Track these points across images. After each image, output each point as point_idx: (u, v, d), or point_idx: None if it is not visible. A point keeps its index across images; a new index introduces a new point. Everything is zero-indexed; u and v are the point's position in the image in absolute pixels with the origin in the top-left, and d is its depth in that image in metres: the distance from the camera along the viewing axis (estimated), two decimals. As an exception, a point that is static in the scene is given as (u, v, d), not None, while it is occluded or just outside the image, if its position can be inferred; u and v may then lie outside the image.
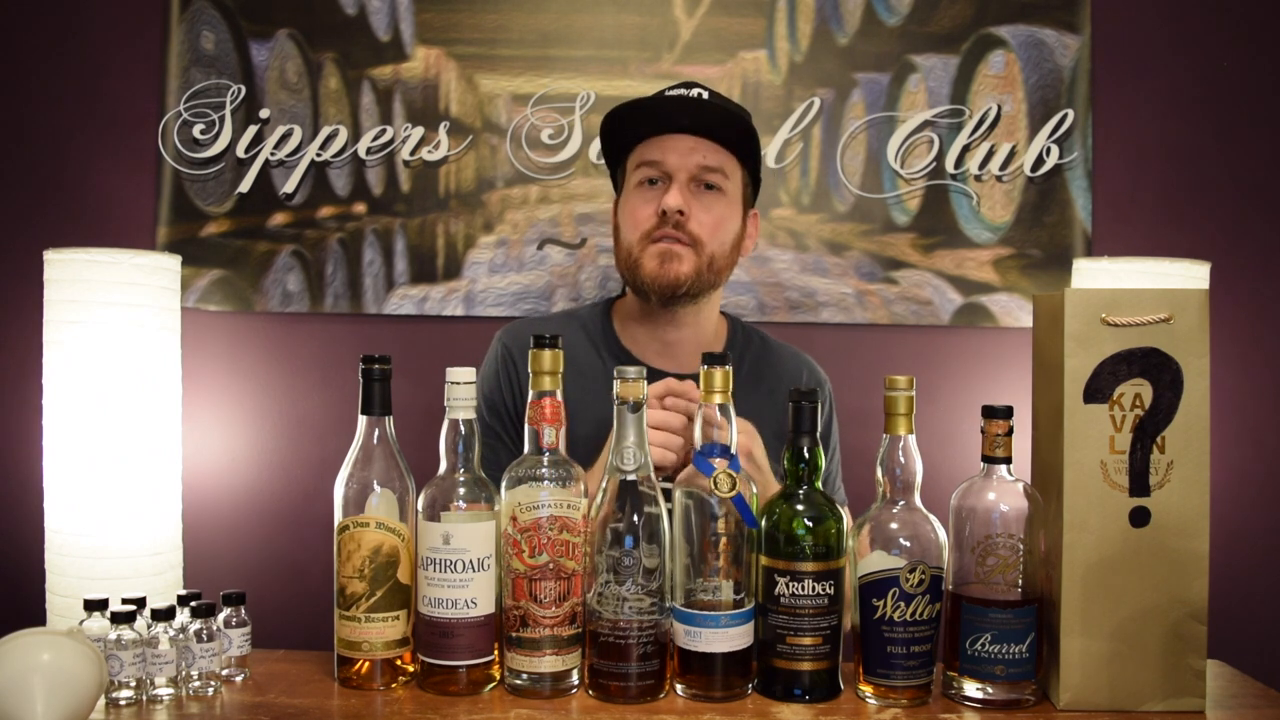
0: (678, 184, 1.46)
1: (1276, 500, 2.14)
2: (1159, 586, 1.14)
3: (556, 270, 2.11)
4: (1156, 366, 1.14)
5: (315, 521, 2.05)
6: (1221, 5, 2.12)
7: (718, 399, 1.16)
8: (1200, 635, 1.14)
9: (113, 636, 1.14)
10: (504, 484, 1.18)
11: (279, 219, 2.11)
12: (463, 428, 1.19)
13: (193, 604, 1.20)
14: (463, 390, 1.18)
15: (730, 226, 1.52)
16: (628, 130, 1.52)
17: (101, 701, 1.14)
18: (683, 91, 1.49)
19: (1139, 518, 1.14)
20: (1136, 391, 1.14)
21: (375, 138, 2.10)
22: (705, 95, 1.49)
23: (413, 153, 2.10)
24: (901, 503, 1.17)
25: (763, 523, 1.17)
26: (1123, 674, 1.14)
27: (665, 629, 1.16)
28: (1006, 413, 1.17)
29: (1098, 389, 1.14)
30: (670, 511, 1.17)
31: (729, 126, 1.49)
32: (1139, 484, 1.14)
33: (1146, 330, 1.14)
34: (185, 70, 2.10)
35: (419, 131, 2.10)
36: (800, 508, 1.16)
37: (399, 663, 1.21)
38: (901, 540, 1.15)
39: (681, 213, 1.45)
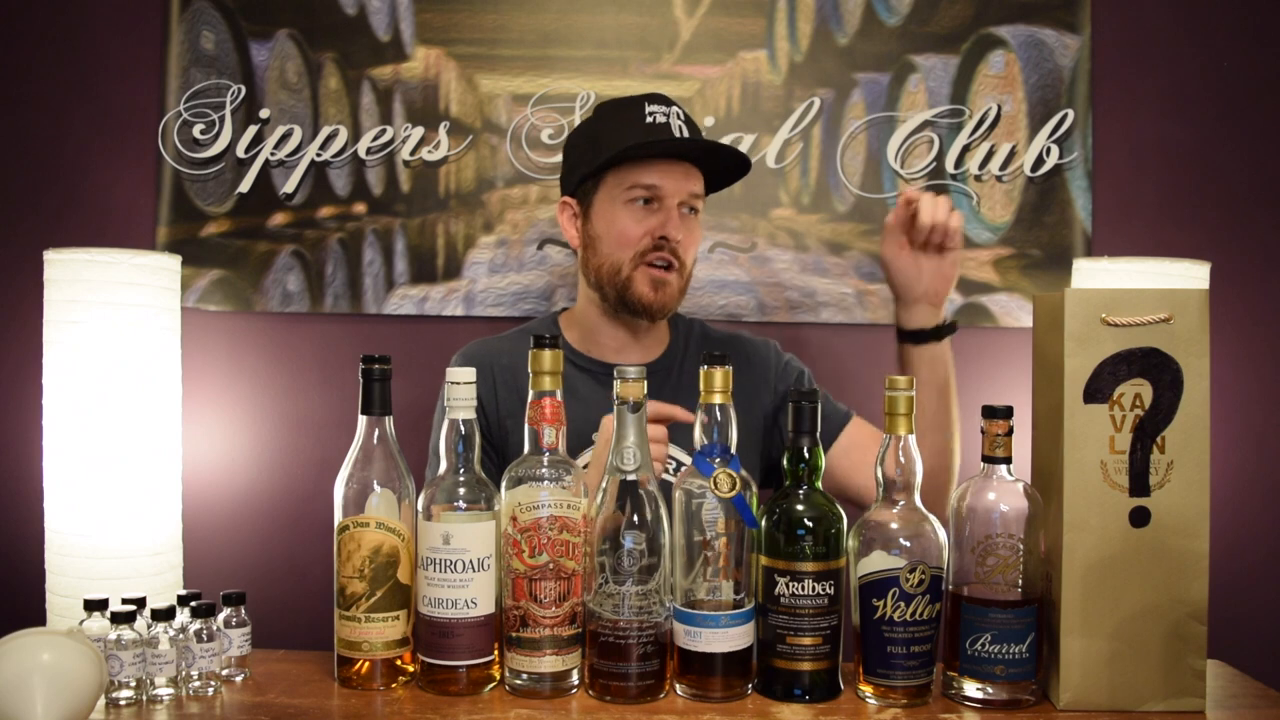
0: (672, 209, 1.54)
1: (1277, 501, 2.14)
2: (1159, 587, 1.14)
3: (556, 270, 2.11)
4: (1156, 366, 1.14)
5: (315, 521, 2.05)
6: (1222, 5, 2.12)
7: (717, 399, 1.16)
8: (1200, 635, 1.14)
9: (113, 636, 1.14)
10: (504, 484, 1.18)
11: (279, 219, 2.11)
12: (463, 428, 1.19)
13: (193, 604, 1.20)
14: (462, 390, 1.18)
15: (700, 243, 1.65)
16: (624, 149, 1.52)
17: (101, 701, 1.14)
18: (660, 111, 1.55)
19: (1139, 518, 1.14)
20: (1136, 391, 1.14)
21: (375, 138, 2.10)
22: (681, 124, 1.56)
23: (413, 153, 2.10)
24: (901, 503, 1.17)
25: (763, 523, 1.17)
26: (1123, 674, 1.14)
27: (665, 629, 1.16)
28: (1006, 413, 1.17)
29: (1098, 389, 1.14)
30: (670, 511, 1.17)
31: (738, 169, 1.63)
32: (1139, 484, 1.14)
33: (1146, 330, 1.14)
34: (185, 70, 2.10)
35: (419, 131, 2.10)
36: (800, 508, 1.16)
37: (399, 663, 1.21)
38: (901, 540, 1.15)
39: (678, 239, 1.54)
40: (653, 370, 1.54)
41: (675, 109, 1.56)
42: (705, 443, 1.16)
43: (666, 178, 1.53)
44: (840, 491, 1.57)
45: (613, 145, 1.52)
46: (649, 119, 1.53)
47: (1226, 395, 2.07)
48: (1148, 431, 1.14)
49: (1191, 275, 1.82)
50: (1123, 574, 1.14)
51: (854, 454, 1.59)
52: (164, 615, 1.18)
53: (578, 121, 2.09)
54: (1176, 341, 1.14)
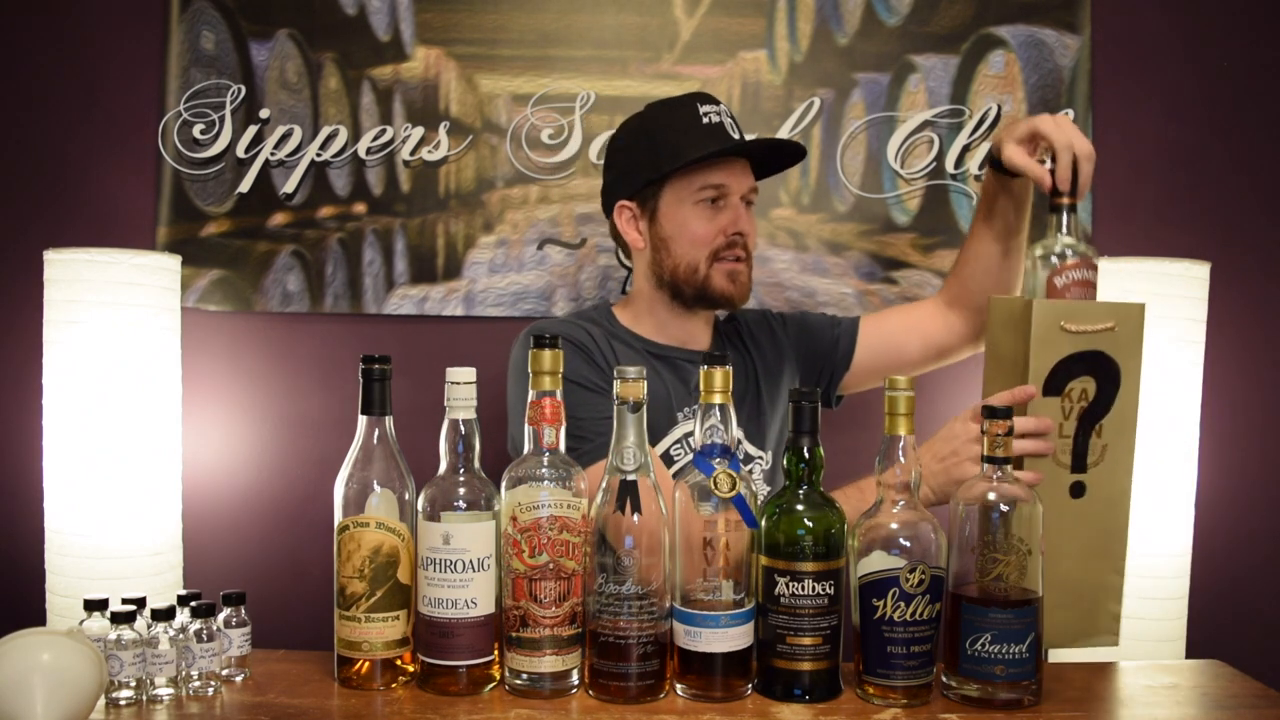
0: (738, 205, 1.60)
1: (1276, 500, 2.14)
2: (1090, 547, 1.31)
3: (556, 270, 2.11)
4: (1101, 366, 1.29)
5: (315, 521, 2.05)
6: (1222, 5, 2.12)
7: (717, 399, 1.16)
8: (1118, 585, 1.32)
9: (113, 636, 1.14)
10: (504, 484, 1.18)
11: (279, 219, 2.11)
12: (463, 428, 1.19)
13: (193, 604, 1.20)
14: (463, 390, 1.18)
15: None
16: (705, 155, 1.56)
17: (101, 701, 1.14)
18: (713, 111, 1.59)
19: (1077, 490, 1.31)
20: (1084, 387, 1.29)
21: (375, 138, 2.10)
22: (732, 122, 1.60)
23: (413, 153, 2.10)
24: (901, 502, 1.17)
25: (763, 523, 1.17)
26: (1058, 620, 1.28)
27: (665, 629, 1.16)
28: (1007, 413, 1.17)
29: (1054, 384, 1.28)
30: (670, 510, 1.17)
31: (791, 159, 1.71)
32: (1079, 463, 1.30)
33: (1095, 336, 1.28)
34: (185, 70, 2.10)
35: (419, 131, 2.10)
36: (800, 508, 1.16)
37: (399, 663, 1.21)
38: (901, 540, 1.15)
39: (748, 232, 1.61)
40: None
41: (723, 107, 1.60)
42: (706, 443, 1.16)
43: (731, 176, 1.58)
44: (910, 365, 1.73)
45: (676, 147, 1.55)
46: (705, 119, 1.57)
47: (1226, 395, 2.07)
48: (1089, 420, 1.30)
49: (1191, 275, 1.82)
50: (1061, 537, 1.27)
51: (890, 339, 1.74)
52: (164, 615, 1.18)
53: (578, 122, 2.09)
54: (1119, 346, 1.29)
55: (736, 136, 1.58)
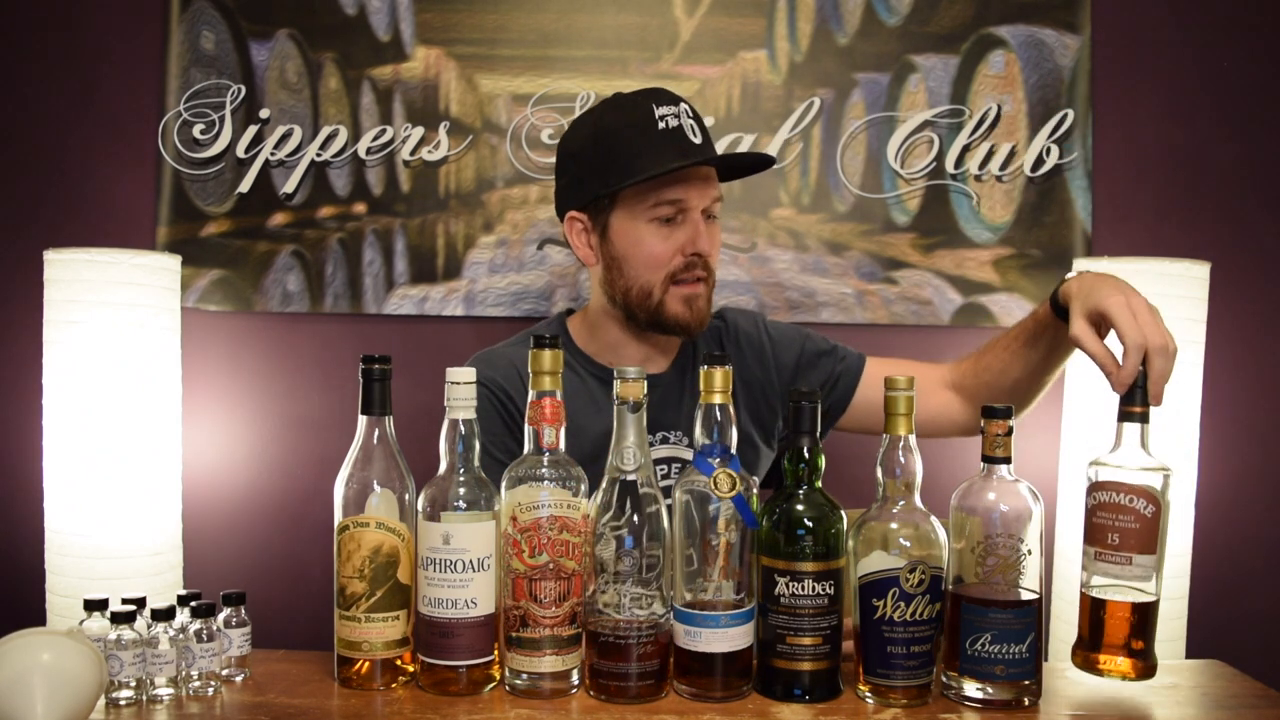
0: (698, 221, 1.46)
1: (1276, 500, 2.14)
2: None
3: (556, 270, 2.11)
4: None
5: (315, 521, 2.05)
6: (1221, 5, 2.12)
7: (717, 399, 1.16)
8: None
9: (113, 636, 1.14)
10: (504, 484, 1.18)
11: (279, 219, 2.11)
12: (463, 428, 1.19)
13: (193, 604, 1.20)
14: (463, 390, 1.18)
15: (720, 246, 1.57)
16: (660, 173, 1.42)
17: (101, 701, 1.14)
18: (670, 114, 1.45)
19: None
20: None
21: (375, 138, 2.10)
22: (692, 123, 1.47)
23: (413, 153, 2.10)
24: (901, 503, 1.17)
25: (763, 523, 1.17)
26: None
27: (665, 629, 1.16)
28: (1006, 413, 1.17)
29: None
30: (670, 511, 1.17)
31: (758, 165, 1.57)
32: None
33: None
34: (185, 70, 2.10)
35: (419, 131, 2.10)
36: (800, 508, 1.16)
37: (399, 663, 1.21)
38: (901, 540, 1.15)
39: (709, 252, 1.48)
40: (669, 378, 1.55)
41: (684, 107, 1.47)
42: (705, 443, 1.16)
43: (690, 189, 1.44)
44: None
45: (627, 159, 1.42)
46: (660, 124, 1.43)
47: (1226, 395, 2.08)
48: None
49: (1191, 275, 1.82)
50: None
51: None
52: (164, 615, 1.17)
53: (578, 121, 2.09)
54: None
55: (698, 141, 1.44)
